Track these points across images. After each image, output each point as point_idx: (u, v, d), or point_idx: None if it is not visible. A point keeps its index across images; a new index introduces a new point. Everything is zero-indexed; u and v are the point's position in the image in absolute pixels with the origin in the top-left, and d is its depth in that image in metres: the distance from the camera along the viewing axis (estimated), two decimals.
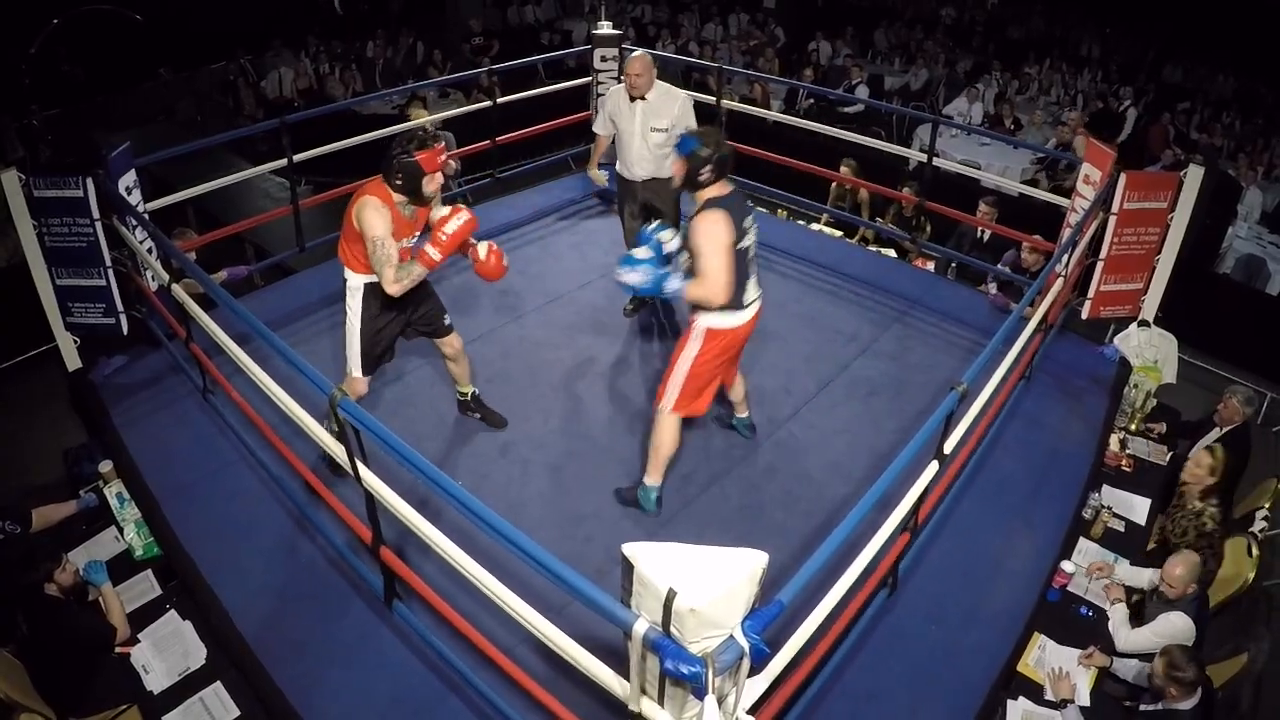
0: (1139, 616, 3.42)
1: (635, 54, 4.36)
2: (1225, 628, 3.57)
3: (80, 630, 3.06)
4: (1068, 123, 8.88)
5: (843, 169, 6.31)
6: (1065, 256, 4.09)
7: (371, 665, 2.90)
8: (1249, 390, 4.46)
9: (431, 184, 3.12)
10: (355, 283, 3.27)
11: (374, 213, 3.05)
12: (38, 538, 3.54)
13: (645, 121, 4.34)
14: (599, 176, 5.02)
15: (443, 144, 3.14)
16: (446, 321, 3.60)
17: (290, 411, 2.85)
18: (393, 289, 3.04)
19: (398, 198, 3.13)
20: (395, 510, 2.50)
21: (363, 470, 2.60)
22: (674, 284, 3.13)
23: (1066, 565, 3.47)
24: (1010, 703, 3.04)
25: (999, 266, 5.52)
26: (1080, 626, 3.37)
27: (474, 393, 3.94)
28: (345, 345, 3.36)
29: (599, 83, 6.13)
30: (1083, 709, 3.04)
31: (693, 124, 4.32)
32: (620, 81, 4.62)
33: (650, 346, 4.60)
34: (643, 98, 4.32)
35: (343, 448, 2.61)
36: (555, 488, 3.64)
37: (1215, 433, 4.36)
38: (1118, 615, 3.37)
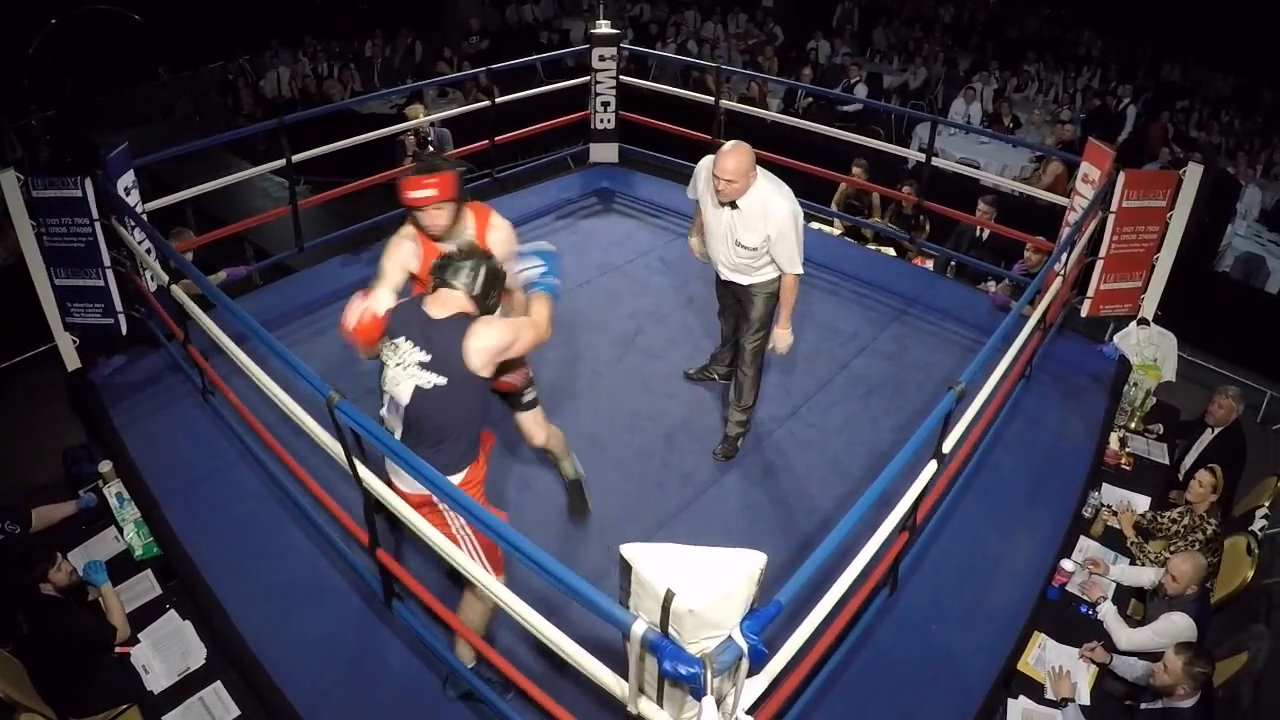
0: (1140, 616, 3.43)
1: (728, 146, 3.21)
2: (1225, 626, 3.57)
3: (80, 630, 3.06)
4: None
5: (855, 170, 6.27)
6: (1064, 255, 4.09)
7: (371, 665, 2.90)
8: (1239, 389, 4.46)
9: (423, 218, 2.78)
10: None
11: (395, 239, 2.89)
12: (37, 538, 3.54)
13: (731, 230, 3.39)
14: (698, 249, 3.80)
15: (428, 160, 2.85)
16: (525, 398, 3.15)
17: (290, 412, 2.84)
18: None
19: None
20: (395, 510, 2.50)
21: (362, 471, 2.59)
22: (548, 279, 2.67)
23: (1066, 564, 3.47)
24: (1010, 702, 3.04)
25: (1013, 272, 5.49)
26: (1080, 625, 3.37)
27: (573, 479, 3.48)
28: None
29: (597, 82, 6.13)
30: (1083, 708, 3.04)
31: (785, 253, 3.34)
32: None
33: (648, 345, 4.60)
34: (733, 205, 3.33)
35: (340, 447, 2.60)
36: (554, 487, 3.63)
37: (1209, 434, 4.36)
38: (1109, 614, 3.37)
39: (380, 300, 2.57)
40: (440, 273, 2.49)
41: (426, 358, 2.39)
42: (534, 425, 3.19)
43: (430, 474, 2.22)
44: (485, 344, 2.42)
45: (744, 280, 3.56)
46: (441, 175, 2.72)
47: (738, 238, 3.39)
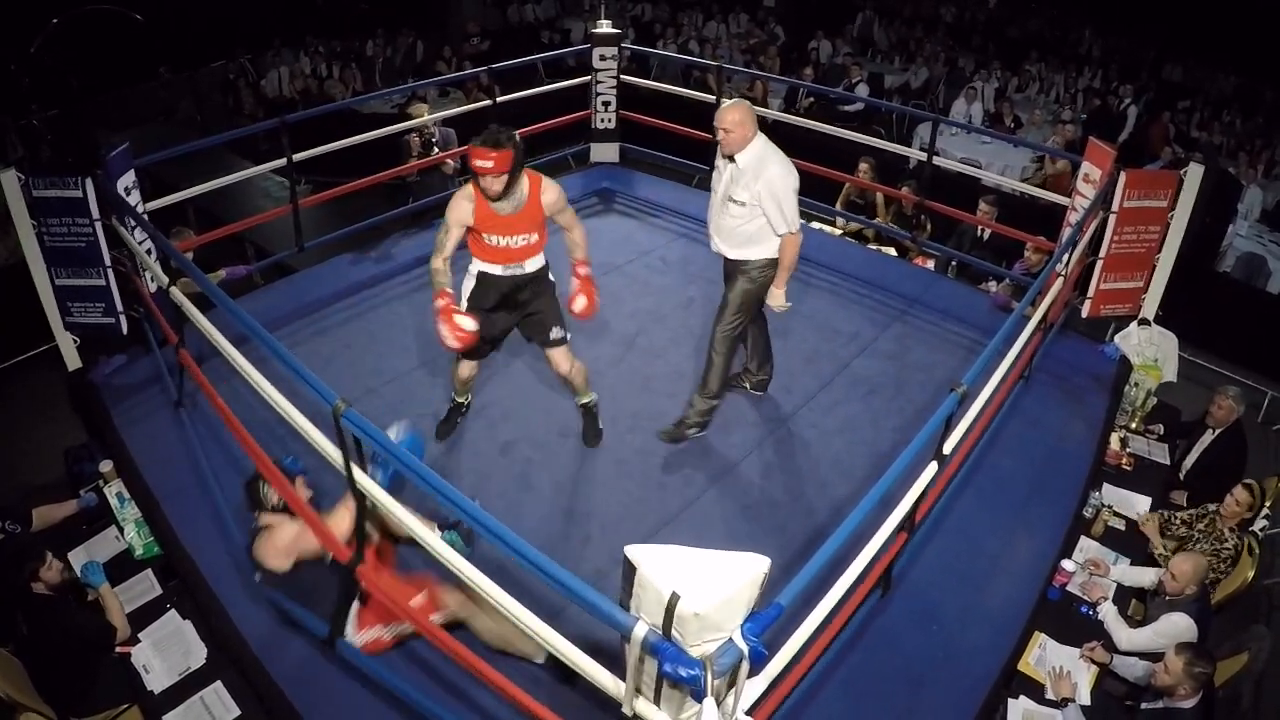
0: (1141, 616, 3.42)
1: (730, 102, 3.43)
2: (1225, 626, 3.57)
3: (78, 629, 3.06)
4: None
5: (862, 167, 6.24)
6: (1065, 255, 4.08)
7: (371, 665, 2.90)
8: (1239, 389, 4.45)
9: (482, 182, 3.14)
10: (470, 268, 3.44)
11: (456, 198, 3.26)
12: (38, 537, 3.53)
13: (728, 188, 3.46)
14: None
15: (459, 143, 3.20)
16: (553, 336, 3.52)
17: (288, 417, 2.83)
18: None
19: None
20: (396, 515, 2.49)
21: (358, 475, 2.58)
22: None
23: (1067, 564, 3.47)
24: (1011, 702, 3.04)
25: (1013, 271, 5.48)
26: (1081, 625, 3.37)
27: (588, 403, 3.82)
28: None
29: (598, 81, 6.13)
30: (1083, 708, 3.04)
31: (774, 209, 3.37)
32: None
33: (649, 345, 4.60)
34: (732, 159, 3.43)
35: (340, 454, 2.58)
36: (555, 488, 3.64)
37: (1210, 434, 4.35)
38: (1109, 614, 3.37)
39: (465, 320, 3.16)
40: None
41: None
42: (563, 357, 3.59)
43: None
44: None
45: (731, 253, 3.59)
46: (501, 151, 3.06)
47: (730, 193, 3.44)
